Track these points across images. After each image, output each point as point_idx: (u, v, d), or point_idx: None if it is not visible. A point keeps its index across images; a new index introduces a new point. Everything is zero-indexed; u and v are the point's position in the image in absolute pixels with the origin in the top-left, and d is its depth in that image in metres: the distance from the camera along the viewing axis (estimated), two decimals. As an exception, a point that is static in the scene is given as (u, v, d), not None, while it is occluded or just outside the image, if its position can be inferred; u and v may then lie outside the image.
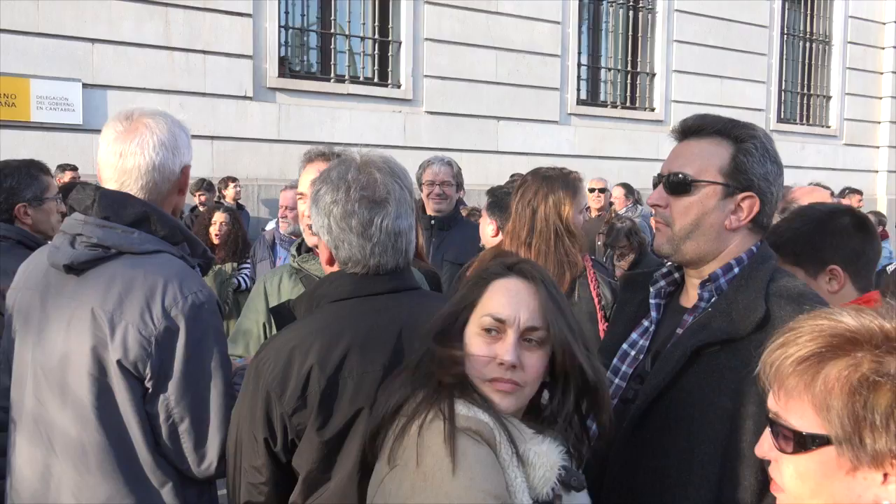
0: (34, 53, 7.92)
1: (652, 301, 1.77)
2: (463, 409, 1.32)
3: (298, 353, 1.53)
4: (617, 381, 1.73)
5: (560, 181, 2.87)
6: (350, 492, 1.50)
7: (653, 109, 12.34)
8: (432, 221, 4.30)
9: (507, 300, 1.37)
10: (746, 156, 1.60)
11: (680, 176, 1.63)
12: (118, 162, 1.82)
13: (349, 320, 1.57)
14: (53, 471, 1.74)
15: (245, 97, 9.00)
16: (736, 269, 1.63)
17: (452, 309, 1.43)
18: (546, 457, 1.33)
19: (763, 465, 1.33)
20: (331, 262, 1.69)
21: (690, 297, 1.71)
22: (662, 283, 1.78)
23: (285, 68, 9.54)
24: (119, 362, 1.68)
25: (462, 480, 1.22)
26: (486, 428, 1.29)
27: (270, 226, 6.58)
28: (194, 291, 1.75)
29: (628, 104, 12.24)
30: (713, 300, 1.62)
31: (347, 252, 1.62)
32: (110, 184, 1.83)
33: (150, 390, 1.72)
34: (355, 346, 1.54)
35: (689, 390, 1.54)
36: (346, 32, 10.01)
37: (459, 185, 4.64)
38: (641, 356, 1.73)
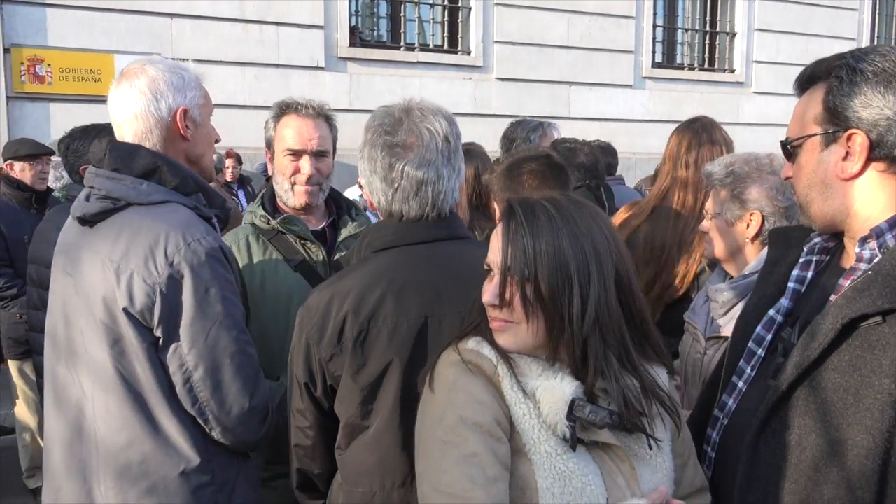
0: (117, 30, 8.21)
1: (803, 259, 1.54)
2: (471, 343, 1.39)
3: (337, 300, 1.55)
4: (760, 351, 1.53)
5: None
6: (388, 439, 1.53)
7: (733, 71, 11.83)
8: None
9: (494, 244, 1.38)
10: (833, 92, 1.37)
11: (784, 142, 1.49)
12: (114, 115, 1.86)
13: (388, 269, 1.58)
14: (94, 404, 1.78)
15: (317, 67, 9.11)
16: None
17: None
18: (553, 392, 1.31)
19: None
20: (373, 206, 1.71)
21: (850, 256, 1.45)
22: (818, 239, 1.53)
23: (356, 38, 9.58)
24: (126, 311, 1.69)
25: (442, 404, 1.32)
26: (484, 360, 1.34)
27: (348, 193, 6.66)
28: (197, 238, 1.72)
29: (706, 66, 11.77)
30: (876, 260, 1.35)
31: (376, 197, 1.64)
32: (120, 133, 1.87)
33: (160, 340, 1.71)
34: (390, 295, 1.54)
35: (841, 370, 1.31)
36: (416, 0, 9.95)
37: None
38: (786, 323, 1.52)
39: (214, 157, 2.10)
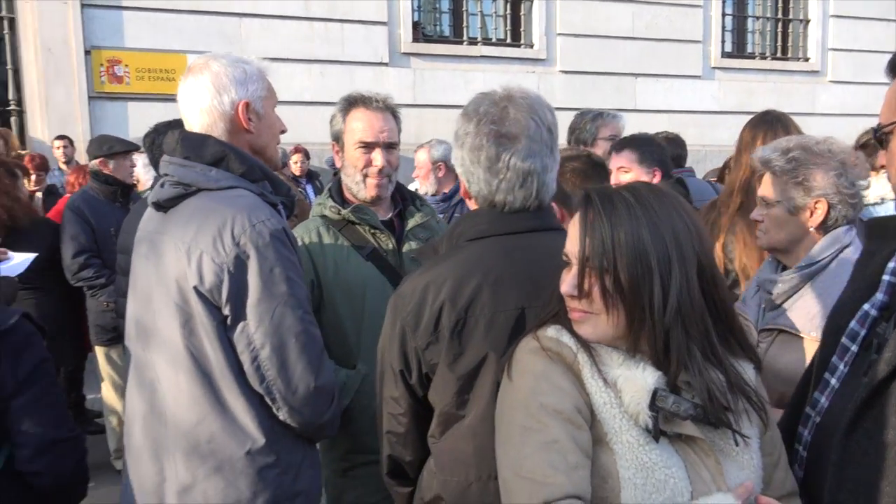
0: (189, 31, 8.49)
1: None
2: (551, 331, 1.38)
3: (432, 289, 1.55)
4: (853, 347, 1.47)
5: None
6: (483, 430, 1.52)
7: (807, 59, 11.42)
8: None
9: (571, 234, 1.36)
10: None
11: (876, 128, 1.42)
12: (183, 109, 1.94)
13: (483, 259, 1.57)
14: (166, 383, 1.84)
15: (381, 63, 9.20)
16: None
17: None
18: (634, 381, 1.29)
19: None
20: (467, 195, 1.70)
21: None
22: None
23: (419, 33, 9.65)
24: (196, 289, 1.75)
25: (522, 390, 1.33)
26: (564, 348, 1.34)
27: (412, 186, 6.73)
28: (262, 220, 1.77)
29: (779, 55, 11.40)
30: None
31: (476, 186, 1.62)
32: (189, 125, 1.94)
33: (228, 318, 1.76)
34: (487, 286, 1.53)
35: None
36: (479, -7, 9.96)
37: None
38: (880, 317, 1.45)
39: (279, 149, 2.16)
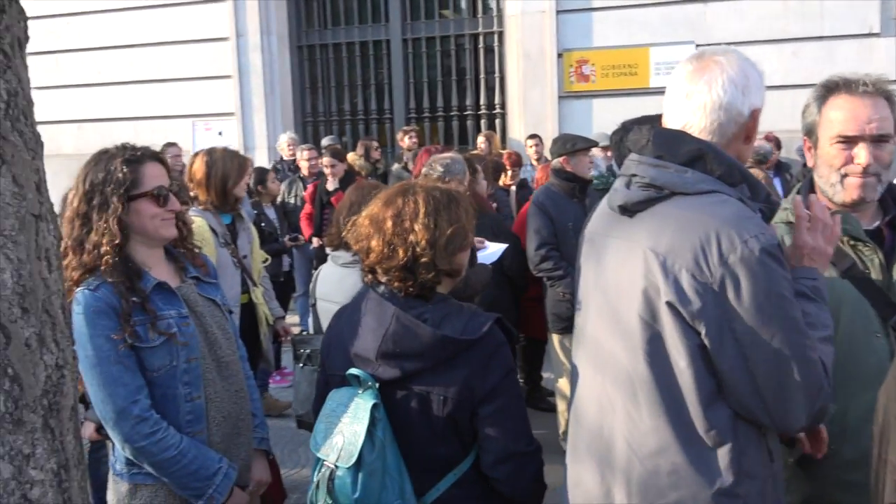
0: (653, 23, 8.59)
1: None
2: None
3: None
4: None
5: None
6: None
7: None
8: None
9: None
10: None
11: None
12: (683, 101, 1.74)
13: None
14: (609, 399, 1.74)
15: (869, 34, 8.02)
16: None
17: None
18: None
19: None
20: None
21: None
22: None
23: (925, -8, 8.09)
24: (671, 306, 1.59)
25: None
26: None
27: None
28: (754, 235, 1.55)
29: None
30: None
31: None
32: (674, 123, 1.75)
33: (710, 342, 1.58)
34: None
35: None
36: None
37: None
38: None
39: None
